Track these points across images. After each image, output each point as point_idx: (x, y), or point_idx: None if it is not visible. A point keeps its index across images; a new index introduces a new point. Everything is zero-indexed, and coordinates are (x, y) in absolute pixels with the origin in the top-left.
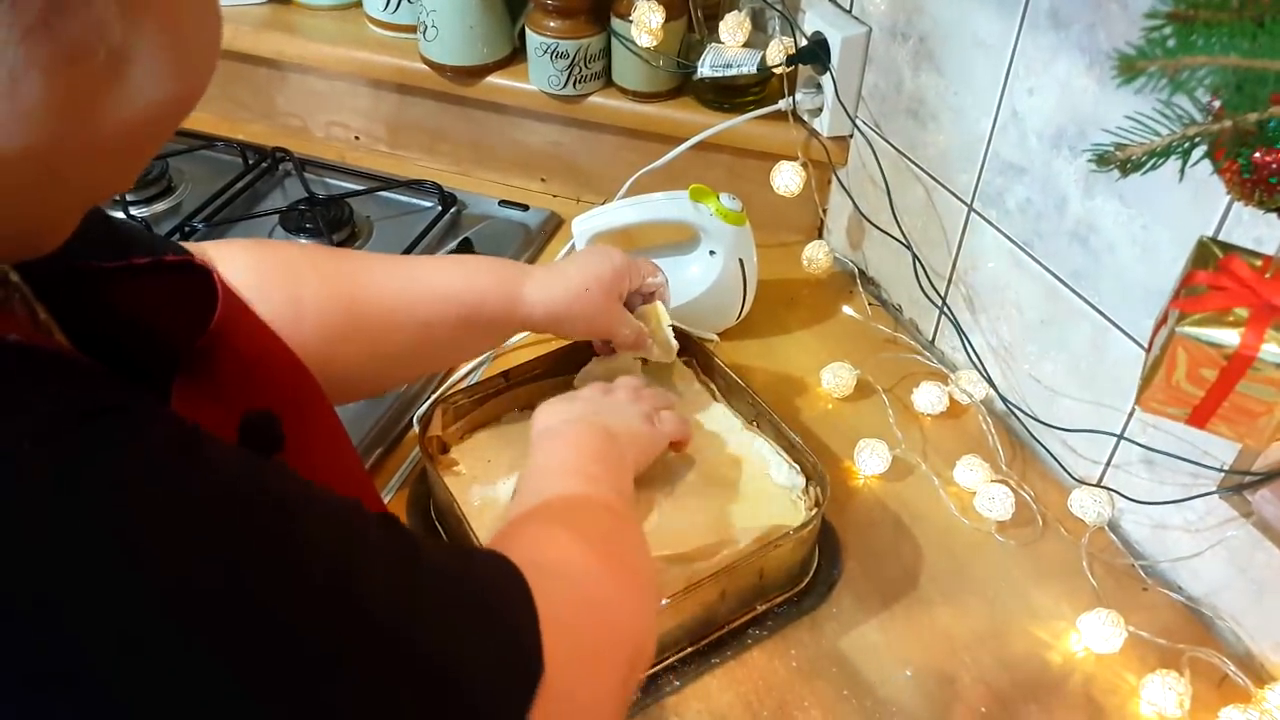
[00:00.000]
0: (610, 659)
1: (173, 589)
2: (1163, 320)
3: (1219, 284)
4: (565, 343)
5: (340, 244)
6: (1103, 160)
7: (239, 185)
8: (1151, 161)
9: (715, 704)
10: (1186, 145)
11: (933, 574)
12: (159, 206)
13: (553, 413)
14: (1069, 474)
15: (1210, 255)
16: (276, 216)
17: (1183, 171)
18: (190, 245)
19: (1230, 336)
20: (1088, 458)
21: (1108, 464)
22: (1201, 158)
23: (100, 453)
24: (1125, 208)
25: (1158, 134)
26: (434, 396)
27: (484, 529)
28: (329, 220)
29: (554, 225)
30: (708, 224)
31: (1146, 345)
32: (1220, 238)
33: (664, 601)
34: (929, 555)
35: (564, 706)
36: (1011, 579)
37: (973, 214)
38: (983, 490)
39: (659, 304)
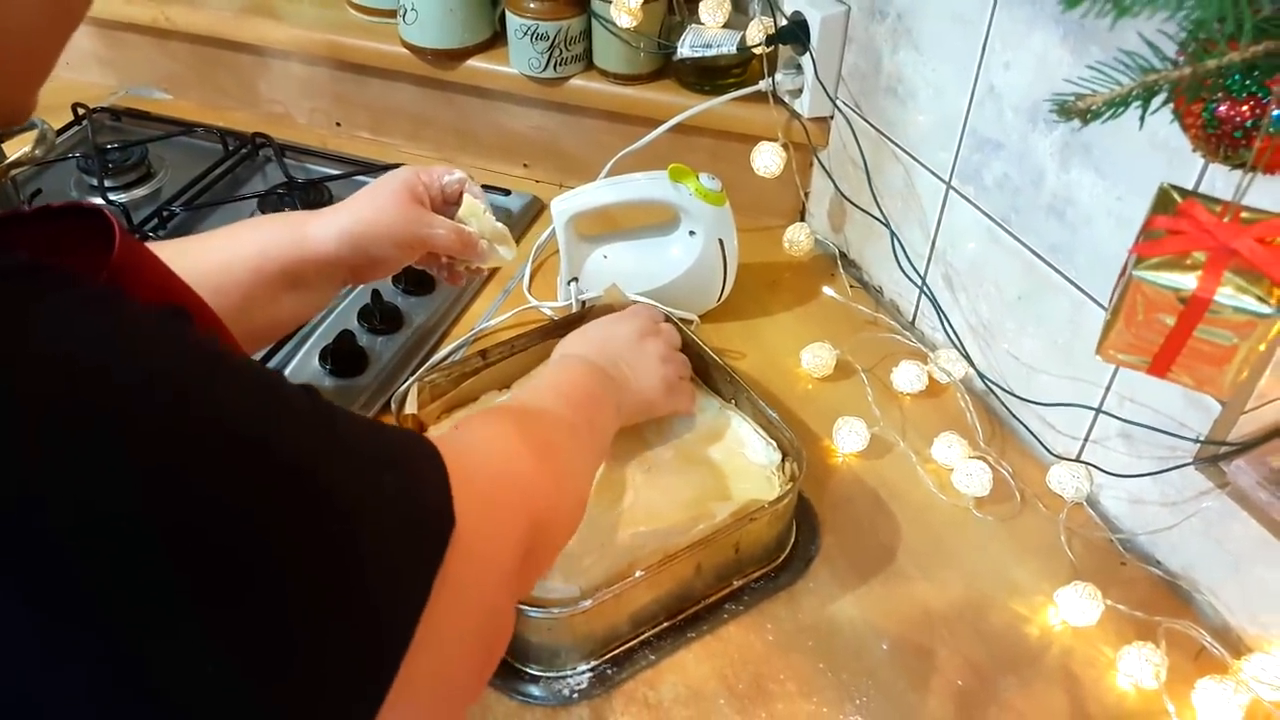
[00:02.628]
0: (512, 519)
1: (107, 425)
2: (1124, 270)
3: (1177, 228)
4: (541, 320)
5: None
6: (1063, 110)
7: (218, 171)
8: (1111, 110)
9: (691, 677)
10: (1146, 94)
11: (910, 549)
12: (138, 192)
13: (573, 343)
14: (1048, 450)
15: (1170, 201)
16: (255, 201)
17: (1142, 119)
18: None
19: (1187, 280)
20: (1066, 434)
21: (1086, 439)
22: (1161, 105)
23: (22, 304)
24: (1101, 179)
25: (1119, 83)
26: (411, 376)
27: None
28: (307, 204)
29: (536, 210)
30: (687, 204)
31: (1110, 293)
32: None
33: (638, 574)
34: (907, 531)
35: (469, 559)
36: (989, 554)
37: (951, 191)
38: (960, 466)
39: (469, 196)
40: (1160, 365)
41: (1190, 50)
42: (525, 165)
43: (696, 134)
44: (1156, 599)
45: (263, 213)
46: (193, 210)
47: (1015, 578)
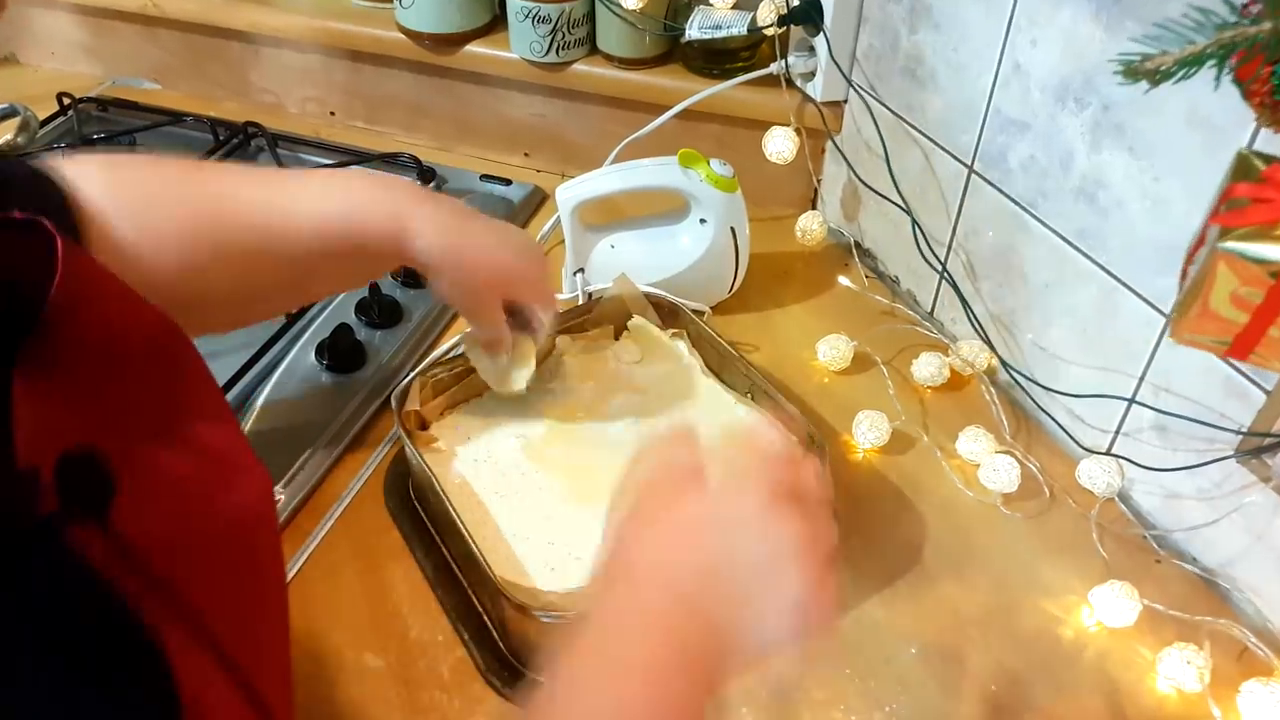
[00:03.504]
0: None
1: None
2: (1198, 243)
3: (1263, 196)
4: None
5: None
6: (1130, 72)
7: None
8: (1184, 71)
9: None
10: (1222, 52)
11: (937, 548)
12: None
13: (650, 550)
14: (1077, 444)
15: (1251, 167)
16: None
17: (1218, 79)
18: (47, 160)
19: (1277, 251)
20: (1096, 426)
21: (1117, 432)
22: (1239, 64)
23: None
24: (1135, 160)
25: (1191, 41)
26: (413, 371)
27: (464, 507)
28: None
29: (538, 200)
30: (698, 190)
31: (1180, 273)
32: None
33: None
34: (932, 529)
35: None
36: (1019, 553)
37: (973, 176)
38: (987, 462)
39: (531, 340)
40: (1243, 346)
41: (1269, 5)
42: (526, 154)
43: (705, 120)
44: (1194, 598)
45: None
46: None
47: (1046, 577)
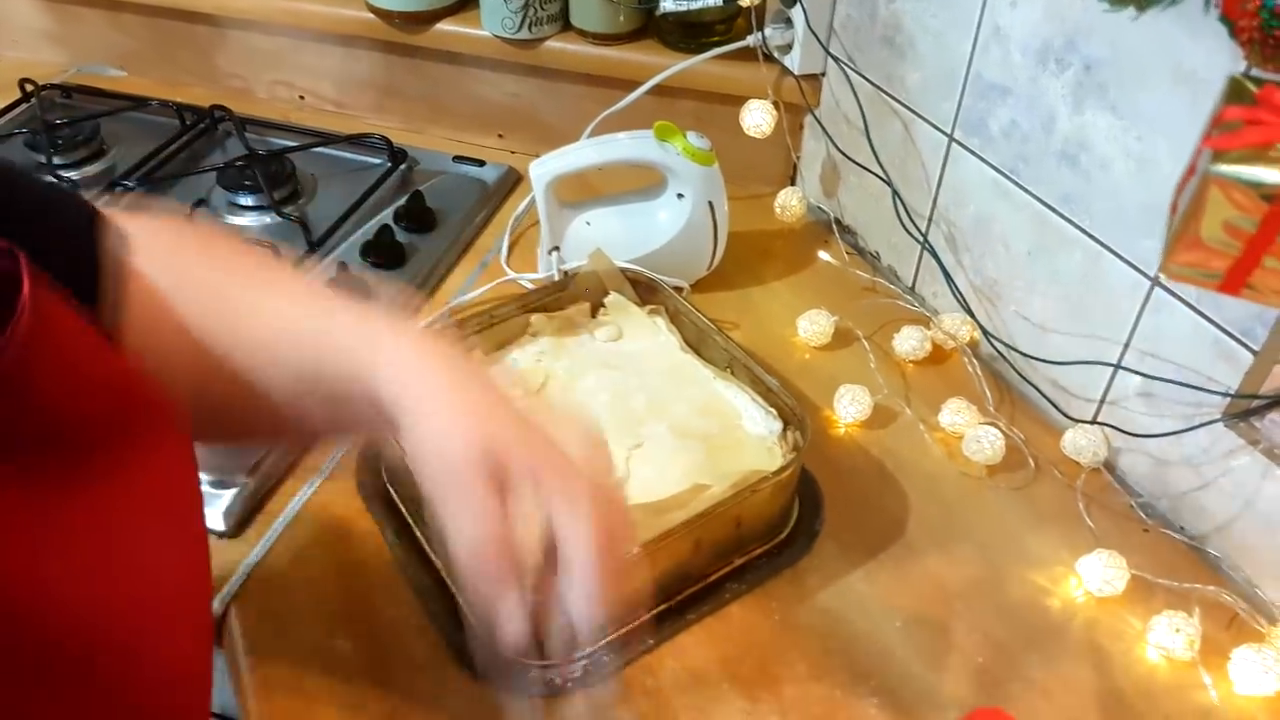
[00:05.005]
0: None
1: None
2: (1188, 174)
3: (1256, 118)
4: (527, 286)
5: (282, 202)
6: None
7: (175, 146)
8: None
9: (692, 662)
10: None
11: (921, 521)
12: (90, 169)
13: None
14: (1062, 413)
15: (1244, 91)
16: (214, 174)
17: (1207, 6)
18: (118, 214)
19: (1272, 175)
20: (1081, 395)
21: (1102, 400)
22: None
23: None
24: (1118, 120)
25: None
26: None
27: None
28: (269, 176)
29: (512, 181)
30: (674, 164)
31: (1170, 207)
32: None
33: (634, 550)
34: (916, 502)
35: None
36: (1004, 524)
37: (954, 145)
38: (970, 434)
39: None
40: (1236, 279)
41: None
42: (500, 135)
43: (681, 96)
44: (1183, 566)
45: (223, 188)
46: (148, 185)
47: (1033, 548)
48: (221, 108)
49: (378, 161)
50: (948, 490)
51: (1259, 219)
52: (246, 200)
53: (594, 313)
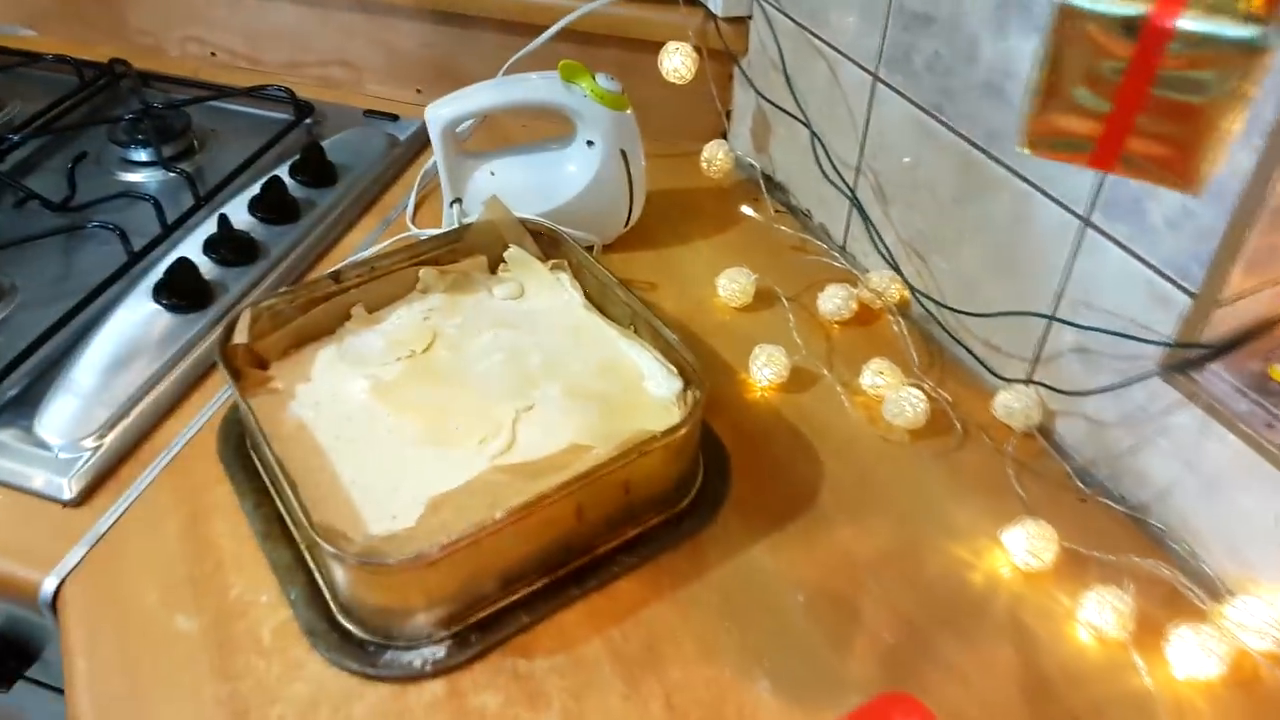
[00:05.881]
0: None
1: None
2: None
3: None
4: (412, 237)
5: (175, 157)
6: None
7: (72, 102)
8: None
9: (571, 641)
10: None
11: (834, 490)
12: None
13: None
14: (994, 374)
15: None
16: (105, 129)
17: None
18: None
19: (1135, 5)
20: (1014, 354)
21: (1036, 360)
22: None
23: None
24: None
25: None
26: (247, 300)
27: (298, 454)
28: (161, 131)
29: (425, 136)
30: (582, 107)
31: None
32: None
33: (499, 514)
34: (831, 469)
35: None
36: (926, 493)
37: (878, 85)
38: (892, 397)
39: None
40: (1107, 151)
41: None
42: (419, 90)
43: (603, 44)
44: (1122, 538)
45: (115, 144)
46: (38, 140)
47: (956, 519)
48: (121, 61)
49: (282, 116)
50: (865, 456)
51: (1126, 63)
52: (139, 155)
53: (493, 268)
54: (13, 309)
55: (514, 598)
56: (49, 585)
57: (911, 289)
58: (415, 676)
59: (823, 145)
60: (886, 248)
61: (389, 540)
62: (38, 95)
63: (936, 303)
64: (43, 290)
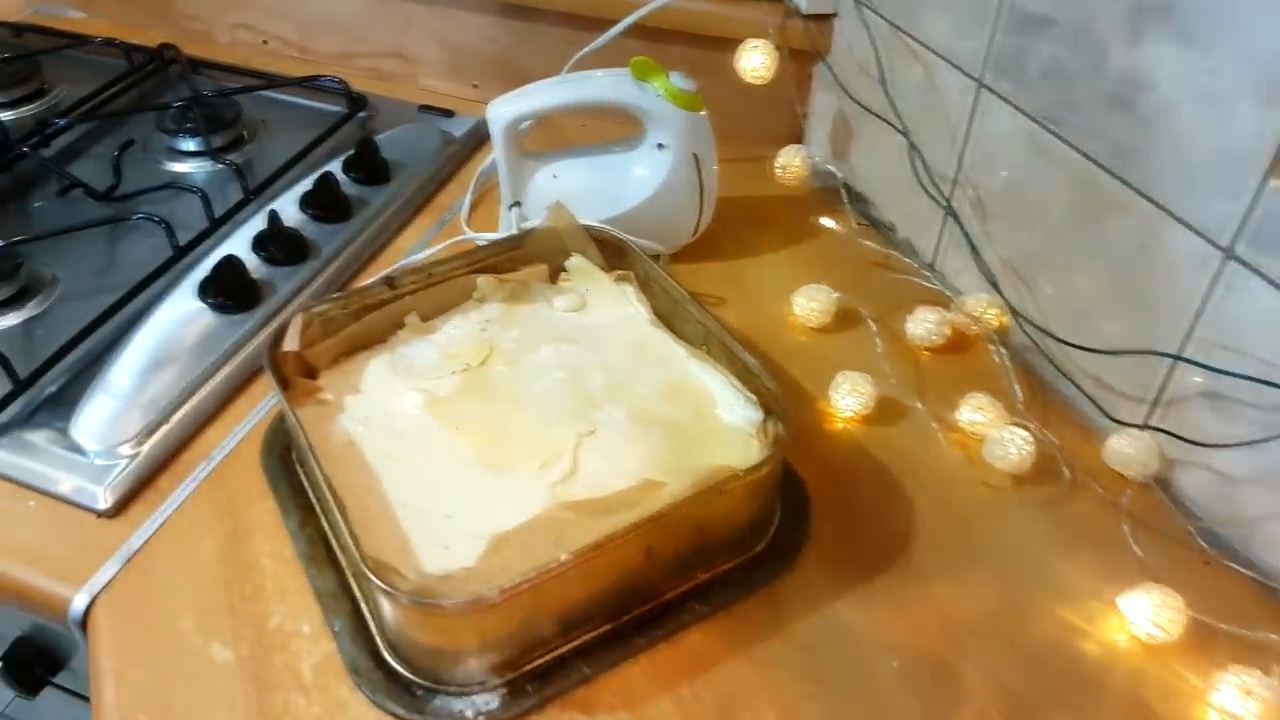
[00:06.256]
0: None
1: None
2: None
3: None
4: (468, 241)
5: (224, 148)
6: None
7: (119, 87)
8: None
9: (636, 697)
10: None
11: (929, 539)
12: (27, 108)
13: None
14: (1106, 415)
15: None
16: (153, 116)
17: None
18: None
19: None
20: (1129, 394)
21: (1156, 401)
22: None
23: None
24: (1187, 50)
25: None
26: (297, 304)
27: (347, 471)
28: (211, 120)
29: (483, 135)
30: (654, 107)
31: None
32: None
33: (564, 557)
34: (924, 515)
35: None
36: (1031, 547)
37: (983, 91)
38: (993, 435)
39: None
40: None
41: None
42: (475, 86)
43: (670, 40)
44: (1256, 610)
45: (162, 132)
46: (84, 125)
47: (1066, 578)
48: (171, 46)
49: (334, 108)
50: (963, 502)
51: None
52: (187, 145)
53: (554, 278)
54: (52, 302)
55: (574, 644)
56: (79, 603)
57: (1016, 316)
58: None
59: (920, 157)
60: (986, 268)
61: (445, 580)
62: (85, 79)
63: (1043, 332)
64: (84, 283)
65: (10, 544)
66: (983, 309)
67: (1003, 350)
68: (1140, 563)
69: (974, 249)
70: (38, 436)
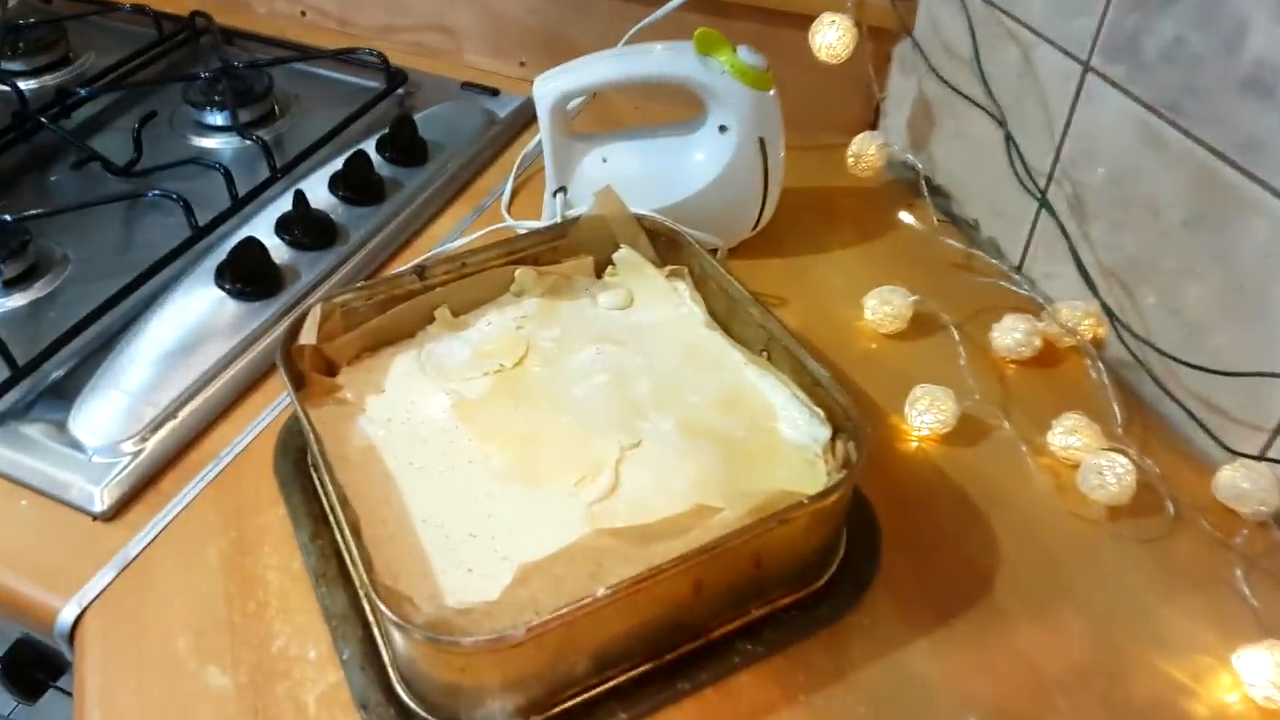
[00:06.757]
0: None
1: None
2: None
3: None
4: (508, 230)
5: (253, 123)
6: None
7: (148, 56)
8: None
9: None
10: None
11: (1013, 577)
12: (50, 77)
13: None
14: (1218, 443)
15: None
16: (180, 88)
17: None
18: None
19: None
20: (1246, 421)
21: (1278, 429)
22: None
23: None
24: None
25: None
26: (321, 292)
27: (363, 480)
28: (240, 93)
29: (529, 115)
30: (718, 85)
31: None
32: None
33: (601, 592)
34: (1008, 549)
35: None
36: (1129, 589)
37: (1090, 75)
38: (1089, 462)
39: None
40: None
41: None
42: (522, 64)
43: (735, 14)
44: None
45: (189, 105)
46: (109, 95)
47: (1168, 627)
48: (204, 15)
49: (372, 84)
50: (1053, 536)
51: None
52: (214, 119)
53: (599, 272)
54: (61, 282)
55: (609, 684)
56: (68, 614)
57: (1118, 327)
58: None
59: (1015, 146)
60: (1086, 273)
61: (465, 614)
62: (112, 47)
63: (1147, 344)
64: (95, 264)
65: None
66: (1078, 318)
67: (1100, 366)
68: (1255, 612)
69: (1072, 251)
70: (34, 429)
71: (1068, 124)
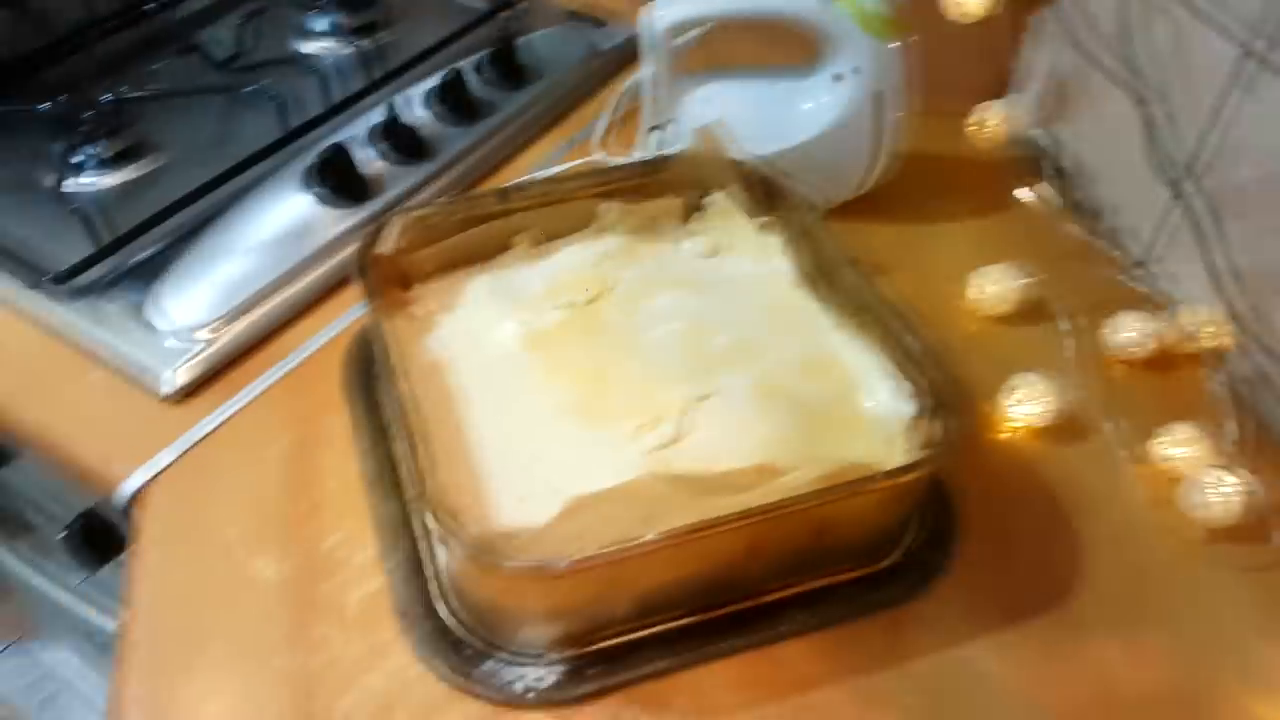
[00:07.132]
0: None
1: None
2: None
3: None
4: (599, 163)
5: (357, 30)
6: None
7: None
8: None
9: (712, 705)
10: None
11: (1097, 586)
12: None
13: None
14: None
15: None
16: None
17: None
18: None
19: None
20: None
21: None
22: None
23: None
24: None
25: None
26: (407, 202)
27: (426, 395)
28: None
29: (631, 50)
30: (838, 29)
31: None
32: None
33: (651, 535)
34: (1095, 558)
35: None
36: (1222, 616)
37: (1252, 62)
38: (1195, 478)
39: None
40: None
41: None
42: None
43: None
44: None
45: (297, 6)
46: None
47: (1263, 662)
48: None
49: (479, 4)
50: (1145, 550)
51: None
52: (318, 24)
53: (687, 216)
54: (153, 168)
55: (651, 630)
56: (127, 487)
57: (1245, 337)
58: (513, 702)
59: (1157, 130)
60: (1216, 274)
61: (510, 537)
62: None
63: (1275, 359)
64: (188, 153)
65: (68, 414)
66: (1201, 324)
67: (1220, 377)
68: None
69: (1207, 249)
70: (114, 306)
71: (1219, 113)
